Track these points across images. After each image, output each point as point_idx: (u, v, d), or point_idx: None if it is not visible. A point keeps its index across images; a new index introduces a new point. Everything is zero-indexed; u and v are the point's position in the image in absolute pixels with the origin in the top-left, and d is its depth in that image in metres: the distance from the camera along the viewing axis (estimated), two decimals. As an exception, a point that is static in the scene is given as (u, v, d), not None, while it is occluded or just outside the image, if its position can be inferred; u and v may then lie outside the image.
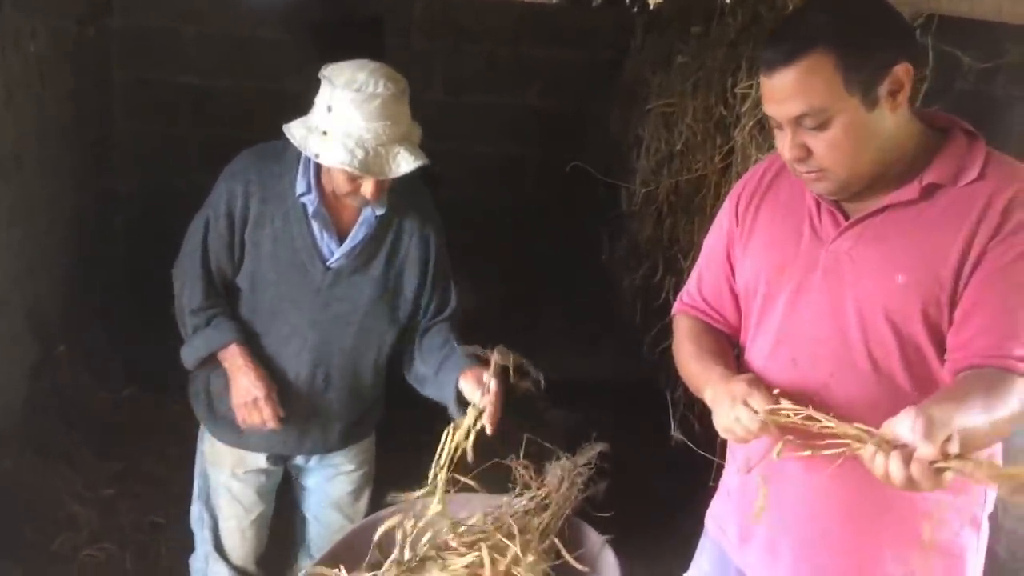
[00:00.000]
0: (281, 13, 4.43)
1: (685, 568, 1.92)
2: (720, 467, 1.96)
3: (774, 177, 1.64)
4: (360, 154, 1.92)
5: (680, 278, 2.78)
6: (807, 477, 1.54)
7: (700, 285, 1.78)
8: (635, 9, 4.67)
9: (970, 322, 1.39)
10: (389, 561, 2.16)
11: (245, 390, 2.10)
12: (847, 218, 1.50)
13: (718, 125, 2.78)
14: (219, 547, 2.32)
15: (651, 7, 4.50)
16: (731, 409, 1.43)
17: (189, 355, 2.16)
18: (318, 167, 2.06)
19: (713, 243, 1.76)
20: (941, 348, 1.44)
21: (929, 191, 1.42)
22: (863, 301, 1.47)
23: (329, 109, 1.93)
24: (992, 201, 1.38)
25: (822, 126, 1.39)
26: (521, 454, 2.39)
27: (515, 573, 2.07)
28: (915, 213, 1.43)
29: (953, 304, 1.41)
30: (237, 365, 2.11)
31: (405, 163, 1.98)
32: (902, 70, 1.37)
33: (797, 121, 1.41)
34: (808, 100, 1.38)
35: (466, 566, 2.12)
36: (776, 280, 1.58)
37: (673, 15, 3.72)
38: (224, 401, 2.18)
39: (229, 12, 4.38)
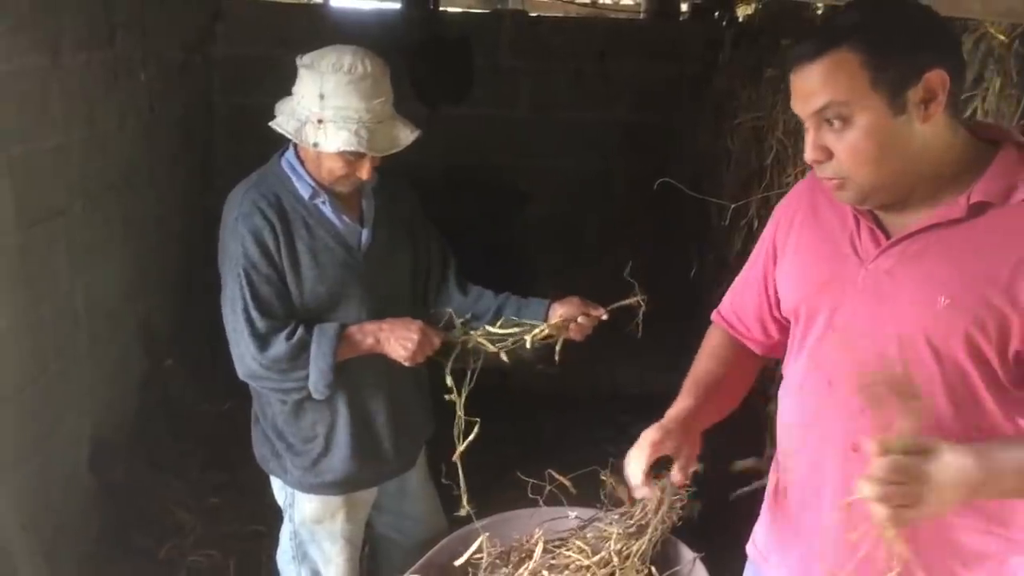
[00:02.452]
0: (373, 37, 4.55)
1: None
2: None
3: (816, 195, 1.57)
4: (364, 134, 1.94)
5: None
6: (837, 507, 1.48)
7: (733, 298, 1.76)
8: (724, 23, 4.64)
9: None
10: None
11: (400, 340, 2.06)
12: (888, 237, 1.42)
13: (809, 139, 2.74)
14: None
15: (740, 20, 4.47)
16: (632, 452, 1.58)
17: (319, 381, 2.04)
18: (304, 165, 2.09)
19: (753, 259, 1.72)
20: (986, 374, 1.35)
21: (978, 209, 1.33)
22: (903, 323, 1.39)
23: (322, 96, 1.95)
24: None
25: (844, 124, 1.33)
26: (609, 468, 2.41)
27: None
28: (962, 233, 1.34)
29: (1003, 332, 1.31)
30: (369, 333, 2.07)
31: (405, 135, 2.02)
32: (935, 77, 1.29)
33: (820, 116, 1.35)
34: (831, 92, 1.32)
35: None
36: (815, 300, 1.52)
37: (762, 28, 3.69)
38: (331, 446, 2.16)
39: (324, 39, 4.53)
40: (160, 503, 3.16)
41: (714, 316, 1.80)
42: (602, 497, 2.39)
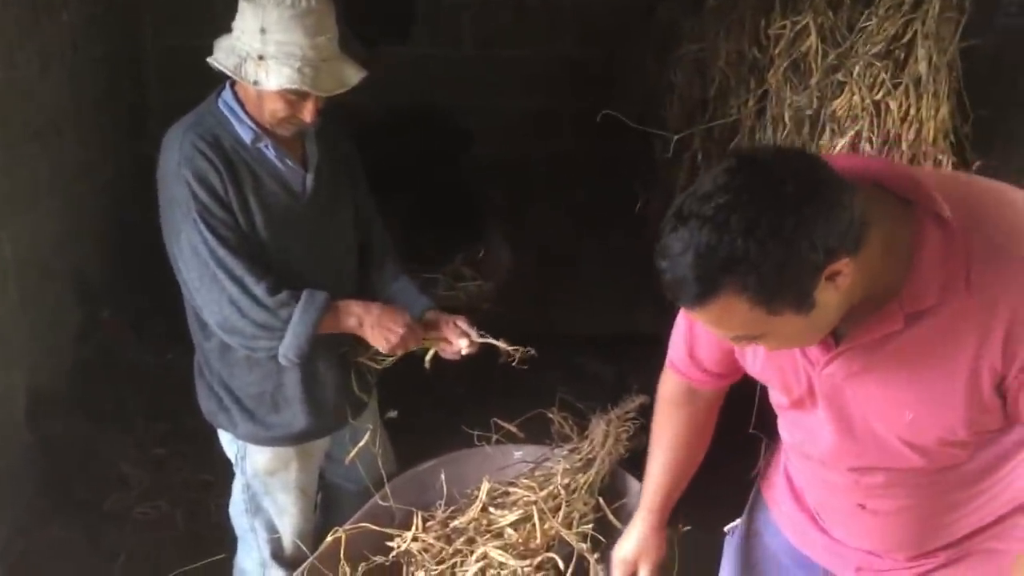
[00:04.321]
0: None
1: (728, 519, 1.92)
2: (762, 418, 1.95)
3: None
4: (309, 72, 1.86)
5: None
6: (870, 519, 1.53)
7: (692, 352, 1.62)
8: (666, -47, 4.56)
9: None
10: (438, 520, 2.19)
11: (388, 328, 2.04)
12: (837, 342, 1.32)
13: (752, 68, 2.72)
14: (278, 553, 2.28)
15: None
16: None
17: (290, 348, 1.98)
18: (244, 107, 2.00)
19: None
20: (970, 440, 1.33)
21: (915, 317, 1.23)
22: (875, 428, 1.36)
23: (263, 31, 1.85)
24: (990, 326, 1.18)
25: (760, 338, 1.23)
26: (556, 408, 2.42)
27: (564, 535, 2.10)
28: (905, 343, 1.24)
29: (971, 423, 1.28)
30: (354, 314, 2.04)
31: (351, 75, 1.94)
32: (835, 269, 1.14)
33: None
34: (730, 329, 1.22)
35: (512, 524, 2.15)
36: (784, 394, 1.47)
37: (705, -43, 3.63)
38: (280, 400, 2.12)
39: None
40: (103, 456, 3.10)
41: (669, 365, 1.70)
42: (552, 434, 2.42)
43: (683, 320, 1.60)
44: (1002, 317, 1.17)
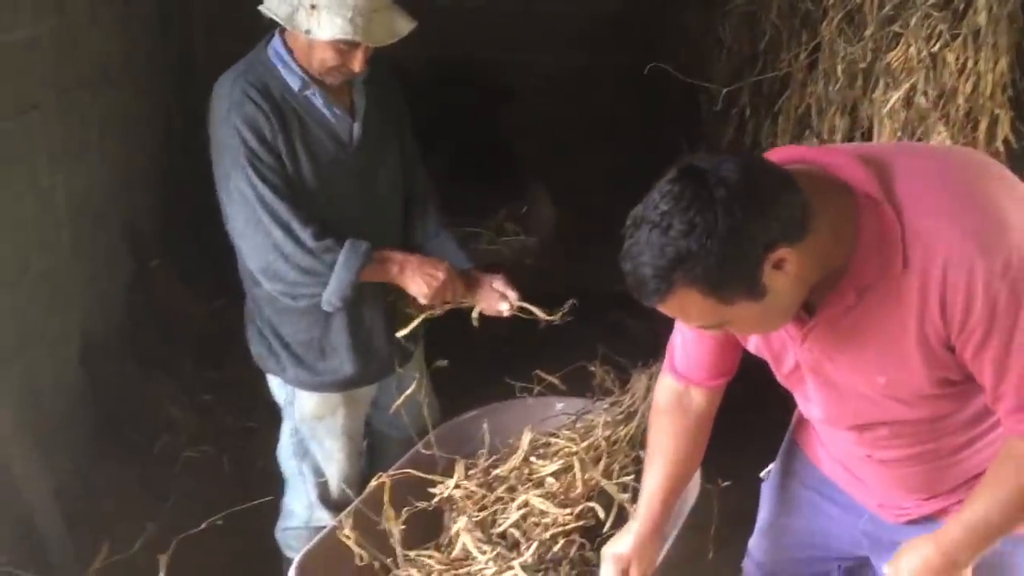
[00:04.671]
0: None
1: (763, 465, 1.93)
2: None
3: None
4: (360, 22, 1.86)
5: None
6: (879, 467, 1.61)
7: (687, 350, 1.70)
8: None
9: (996, 393, 1.36)
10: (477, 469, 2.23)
11: (428, 276, 2.06)
12: (811, 314, 1.42)
13: (804, 21, 2.67)
14: (325, 497, 2.31)
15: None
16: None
17: (334, 294, 2.01)
18: (293, 55, 2.00)
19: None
20: (945, 393, 1.42)
21: (863, 291, 1.34)
22: (860, 391, 1.47)
23: None
24: (926, 297, 1.30)
25: (726, 326, 1.38)
26: (599, 362, 2.43)
27: (604, 486, 2.12)
28: (861, 315, 1.36)
29: (937, 380, 1.39)
30: (396, 261, 2.07)
31: (402, 25, 1.94)
32: (775, 257, 1.25)
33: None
34: (691, 320, 1.38)
35: (553, 474, 2.18)
36: (777, 368, 1.58)
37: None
38: (327, 346, 2.15)
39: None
40: (152, 400, 3.18)
41: (667, 367, 1.75)
42: (593, 387, 2.43)
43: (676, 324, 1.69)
44: (934, 288, 1.29)
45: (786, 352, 1.51)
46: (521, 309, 2.18)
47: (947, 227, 1.27)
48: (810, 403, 1.58)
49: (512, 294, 2.18)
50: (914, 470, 1.56)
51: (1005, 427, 1.39)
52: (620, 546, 1.77)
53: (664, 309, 1.32)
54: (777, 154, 1.39)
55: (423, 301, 2.12)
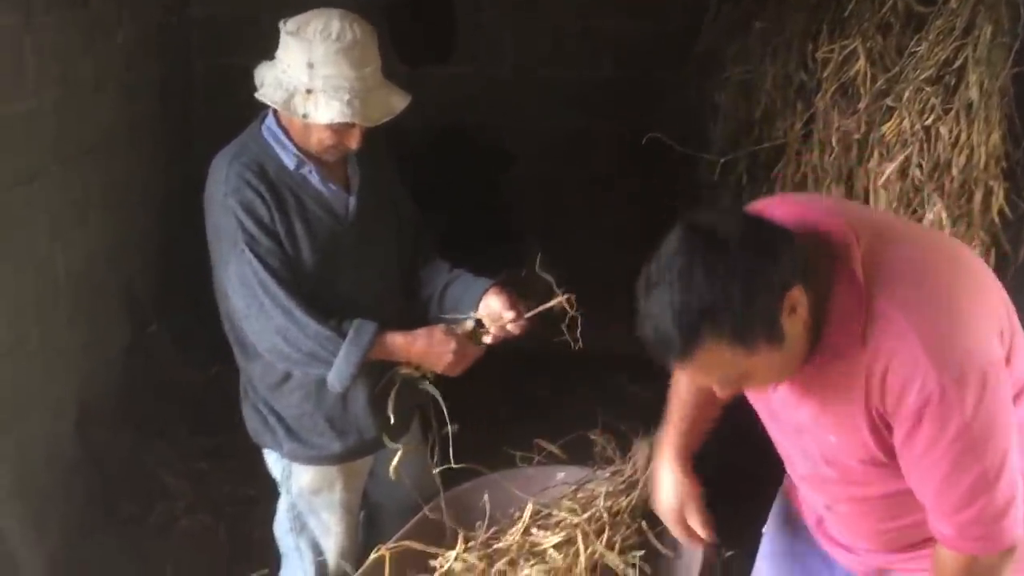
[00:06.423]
0: (354, -6, 4.47)
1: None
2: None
3: None
4: (357, 104, 1.88)
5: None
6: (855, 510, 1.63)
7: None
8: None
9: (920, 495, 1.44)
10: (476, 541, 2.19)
11: (438, 354, 2.05)
12: None
13: (799, 91, 2.71)
14: (323, 573, 2.28)
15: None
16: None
17: (342, 375, 2.00)
18: (287, 133, 2.02)
19: None
20: (891, 462, 1.45)
21: (834, 349, 1.38)
22: (816, 443, 1.52)
23: (310, 65, 1.87)
24: (873, 373, 1.35)
25: (744, 377, 1.39)
26: (600, 430, 2.41)
27: (608, 560, 2.08)
28: (823, 375, 1.40)
29: (886, 450, 1.42)
30: (402, 345, 2.05)
31: (397, 102, 1.96)
32: (790, 299, 1.29)
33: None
34: (717, 375, 1.38)
35: (555, 546, 2.15)
36: (760, 412, 1.64)
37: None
38: (321, 422, 2.13)
39: (303, -5, 4.45)
40: (148, 469, 3.14)
41: None
42: (594, 456, 2.41)
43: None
44: (877, 371, 1.34)
45: (769, 400, 1.55)
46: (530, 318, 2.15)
47: (904, 320, 1.31)
48: (782, 449, 1.66)
49: (512, 314, 2.13)
50: (865, 526, 1.61)
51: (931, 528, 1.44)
52: (667, 499, 1.80)
53: (689, 367, 1.33)
54: (776, 210, 1.41)
55: (451, 375, 2.10)
